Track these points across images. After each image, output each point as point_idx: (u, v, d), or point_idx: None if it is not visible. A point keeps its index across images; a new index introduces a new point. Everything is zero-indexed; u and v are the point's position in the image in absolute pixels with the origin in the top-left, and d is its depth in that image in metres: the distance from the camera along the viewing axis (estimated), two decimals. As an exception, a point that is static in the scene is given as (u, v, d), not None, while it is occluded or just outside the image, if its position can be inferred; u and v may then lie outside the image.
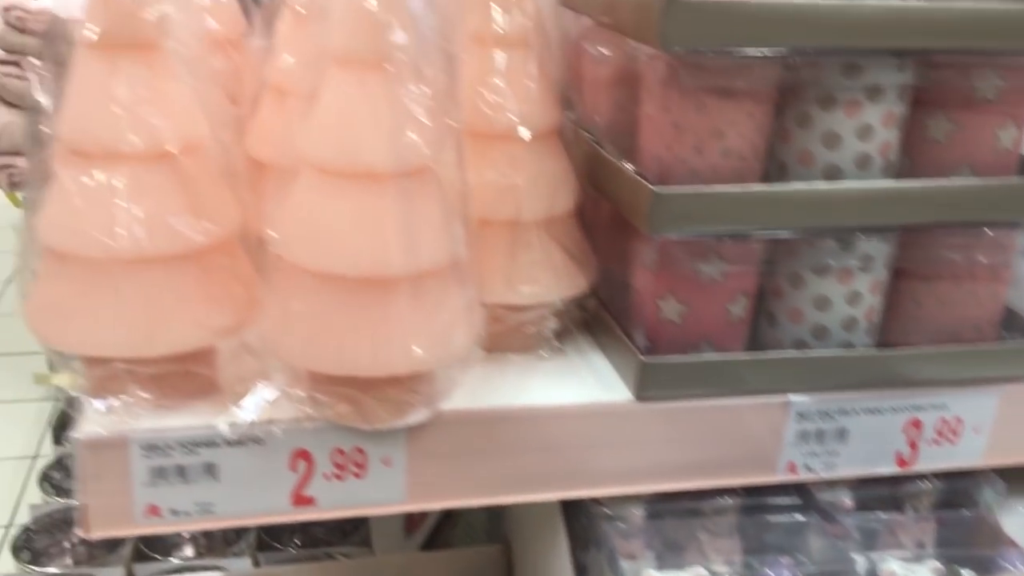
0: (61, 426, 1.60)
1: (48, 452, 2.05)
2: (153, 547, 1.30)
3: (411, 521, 1.27)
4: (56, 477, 1.52)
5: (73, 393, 1.53)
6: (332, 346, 0.73)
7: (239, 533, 1.33)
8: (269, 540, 1.31)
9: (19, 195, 2.21)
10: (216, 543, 1.35)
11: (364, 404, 0.77)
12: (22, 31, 2.21)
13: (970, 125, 0.86)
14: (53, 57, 0.75)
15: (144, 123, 0.71)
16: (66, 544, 1.37)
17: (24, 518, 1.41)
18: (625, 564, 0.89)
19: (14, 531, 1.38)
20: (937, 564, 0.93)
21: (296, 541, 1.32)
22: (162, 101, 0.72)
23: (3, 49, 2.23)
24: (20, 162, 2.23)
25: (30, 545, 1.35)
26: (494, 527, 1.24)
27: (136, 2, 0.70)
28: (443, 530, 1.28)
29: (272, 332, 0.76)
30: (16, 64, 2.22)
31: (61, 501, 1.44)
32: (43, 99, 0.76)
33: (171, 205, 0.73)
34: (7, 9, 2.23)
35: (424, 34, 0.71)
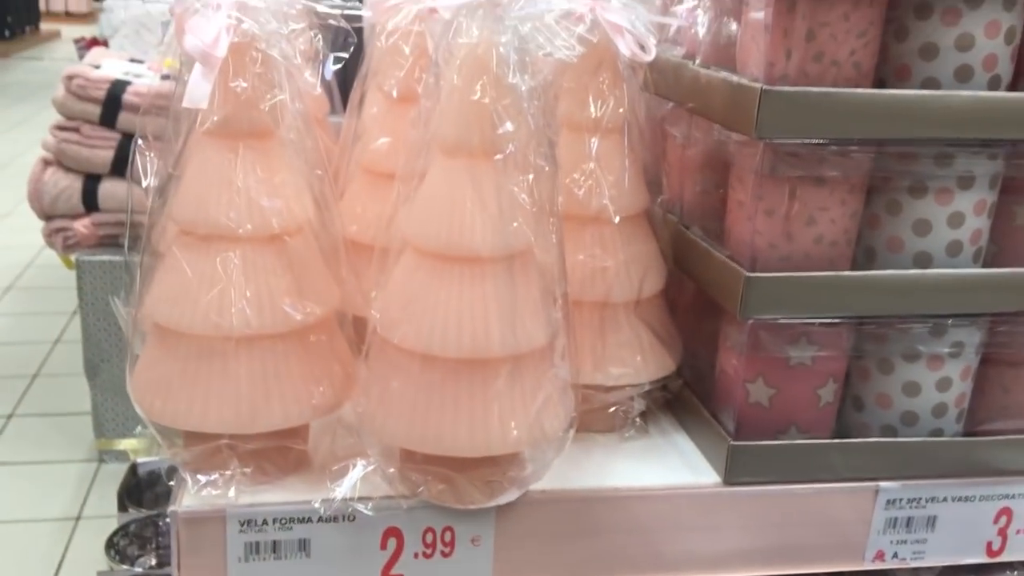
0: (127, 492, 1.61)
1: (91, 513, 2.06)
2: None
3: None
4: (121, 544, 1.53)
5: (140, 460, 1.54)
6: (430, 426, 0.74)
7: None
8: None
9: (72, 257, 2.26)
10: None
11: (457, 484, 0.78)
12: (82, 99, 2.29)
13: (1059, 213, 0.86)
14: (158, 136, 0.78)
15: (257, 207, 0.73)
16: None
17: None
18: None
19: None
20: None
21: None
22: (273, 185, 0.74)
23: (64, 115, 2.31)
24: (76, 225, 2.29)
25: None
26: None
27: (255, 93, 0.72)
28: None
29: (370, 410, 0.77)
30: (76, 130, 2.30)
31: (125, 568, 1.45)
32: (151, 179, 0.79)
33: (278, 285, 0.75)
34: (69, 77, 2.32)
35: (529, 123, 0.73)
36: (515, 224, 0.73)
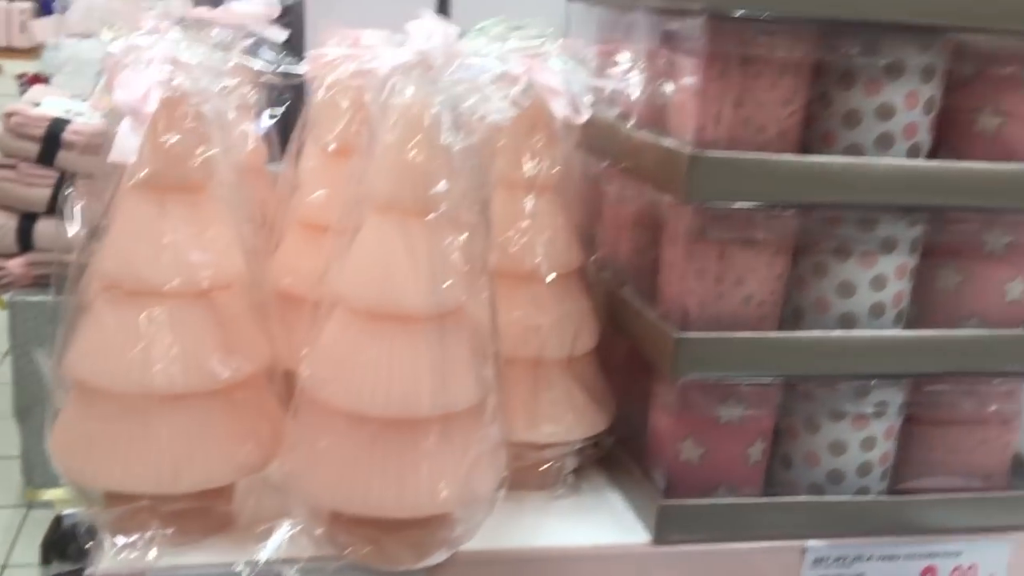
0: (52, 544, 1.56)
1: (18, 561, 1.98)
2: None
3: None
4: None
5: (65, 512, 1.50)
6: (357, 486, 0.73)
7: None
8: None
9: (4, 297, 2.21)
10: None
11: (386, 545, 0.76)
12: (21, 136, 2.25)
13: (979, 277, 0.89)
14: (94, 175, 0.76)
15: (185, 263, 0.73)
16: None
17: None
18: None
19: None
20: None
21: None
22: (203, 240, 0.74)
23: (1, 152, 2.27)
24: (10, 265, 2.23)
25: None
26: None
27: (186, 147, 0.72)
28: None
29: (297, 469, 0.76)
30: (12, 167, 2.26)
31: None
32: (79, 229, 0.77)
33: (205, 342, 0.74)
34: (8, 115, 2.28)
35: (462, 182, 0.74)
36: (447, 283, 0.73)
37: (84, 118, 2.35)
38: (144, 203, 0.72)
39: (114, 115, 0.71)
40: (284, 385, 0.84)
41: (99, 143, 0.77)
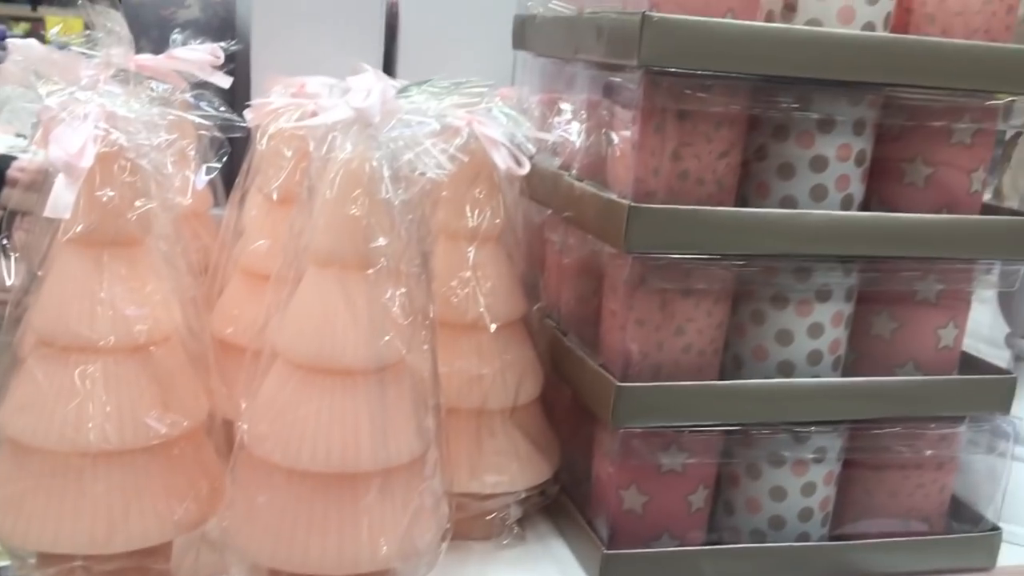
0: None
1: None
2: None
3: None
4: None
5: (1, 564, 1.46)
6: (297, 543, 0.72)
7: None
8: None
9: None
10: None
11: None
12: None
13: (912, 324, 0.91)
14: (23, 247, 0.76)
15: (121, 318, 0.72)
16: None
17: None
18: None
19: None
20: None
21: None
22: (140, 296, 0.73)
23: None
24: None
25: None
26: None
27: (122, 201, 0.71)
28: None
29: (235, 527, 0.74)
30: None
31: None
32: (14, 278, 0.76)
33: (141, 398, 0.73)
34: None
35: (402, 236, 0.74)
36: (387, 337, 0.73)
37: (29, 155, 2.32)
38: (79, 258, 0.72)
39: (52, 170, 0.70)
40: (224, 435, 0.83)
41: (43, 180, 0.76)
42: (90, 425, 0.71)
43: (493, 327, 0.87)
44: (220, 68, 0.98)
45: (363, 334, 0.72)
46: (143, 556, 0.75)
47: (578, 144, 0.94)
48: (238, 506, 0.75)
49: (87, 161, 0.68)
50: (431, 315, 0.79)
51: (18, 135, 2.53)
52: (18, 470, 0.73)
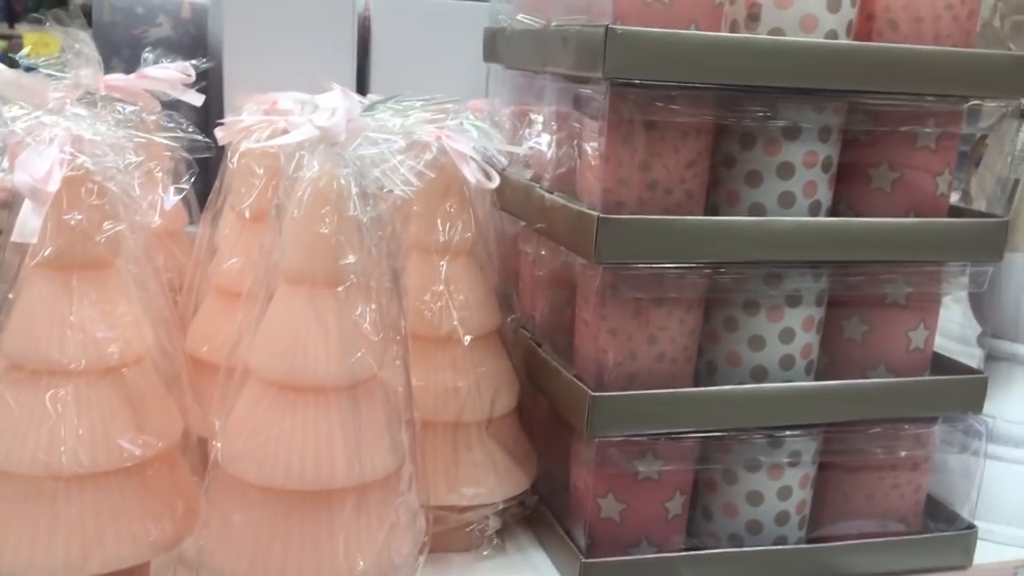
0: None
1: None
2: None
3: None
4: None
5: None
6: (273, 561, 0.72)
7: None
8: None
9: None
10: None
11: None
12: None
13: (883, 327, 0.92)
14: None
15: (92, 340, 0.72)
16: None
17: None
18: None
19: None
20: None
21: None
22: (110, 318, 0.73)
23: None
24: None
25: None
26: None
27: (90, 224, 0.71)
28: None
29: (210, 546, 0.74)
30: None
31: None
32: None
33: (114, 421, 0.73)
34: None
35: (372, 252, 0.74)
36: (358, 354, 0.73)
37: (3, 174, 2.31)
38: (48, 281, 0.71)
39: (18, 195, 0.70)
40: (199, 454, 0.83)
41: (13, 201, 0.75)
42: (62, 448, 0.70)
43: (467, 340, 0.88)
44: (192, 86, 0.98)
45: (334, 351, 0.72)
46: (120, 579, 0.75)
47: (549, 156, 0.95)
48: (213, 525, 0.75)
49: (53, 185, 0.68)
50: (403, 330, 0.79)
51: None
52: (-8, 495, 0.73)
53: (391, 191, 0.72)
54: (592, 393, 0.83)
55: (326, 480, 0.72)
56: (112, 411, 0.73)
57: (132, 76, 0.97)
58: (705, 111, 0.83)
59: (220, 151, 0.96)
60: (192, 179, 0.83)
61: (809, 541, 0.93)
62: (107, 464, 0.72)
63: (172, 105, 0.97)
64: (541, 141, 0.95)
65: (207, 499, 0.76)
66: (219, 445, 0.75)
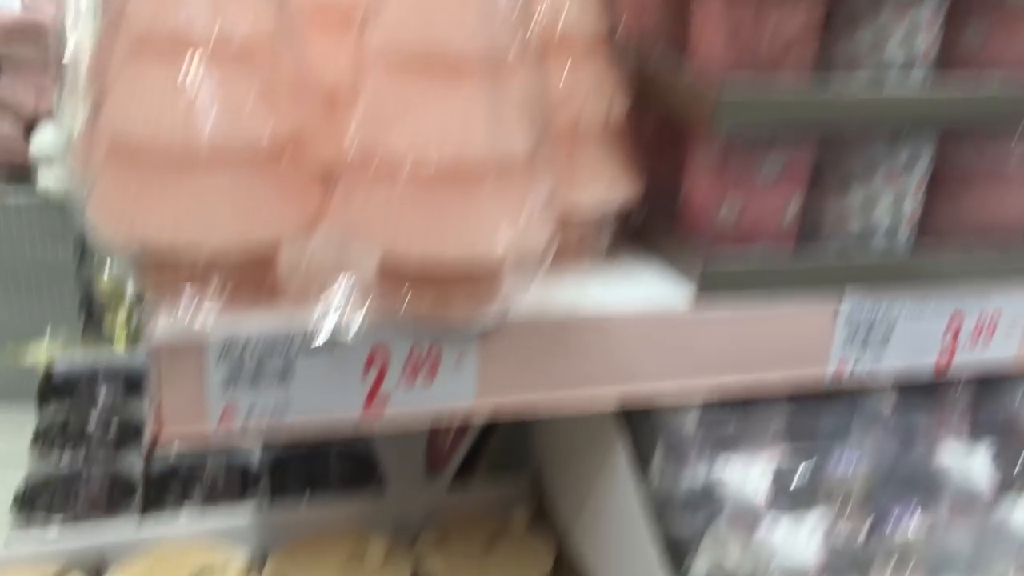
0: (43, 396, 1.53)
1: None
2: (163, 495, 1.27)
3: (435, 459, 1.26)
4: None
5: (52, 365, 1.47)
6: (417, 229, 0.72)
7: (246, 479, 1.31)
8: (280, 487, 1.29)
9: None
10: (228, 489, 1.31)
11: (441, 303, 0.77)
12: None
13: (1002, 33, 0.89)
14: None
15: (224, 13, 0.70)
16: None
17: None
18: (690, 462, 0.90)
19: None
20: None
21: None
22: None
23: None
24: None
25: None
26: (523, 465, 1.24)
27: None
28: (470, 471, 1.26)
29: (352, 223, 0.74)
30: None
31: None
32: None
33: (249, 99, 0.72)
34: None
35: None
36: (496, 24, 0.71)
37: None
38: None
39: None
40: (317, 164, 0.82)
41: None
42: (199, 123, 0.70)
43: (581, 44, 0.85)
44: None
45: (472, 17, 0.70)
46: (259, 260, 0.76)
47: None
48: (353, 206, 0.74)
49: None
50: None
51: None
52: (128, 174, 0.72)
53: None
54: (716, 90, 0.81)
55: (469, 152, 0.72)
56: (246, 90, 0.72)
57: None
58: None
59: None
60: None
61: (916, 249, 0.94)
62: (244, 140, 0.72)
63: None
64: None
65: (344, 183, 0.75)
66: (354, 128, 0.74)
